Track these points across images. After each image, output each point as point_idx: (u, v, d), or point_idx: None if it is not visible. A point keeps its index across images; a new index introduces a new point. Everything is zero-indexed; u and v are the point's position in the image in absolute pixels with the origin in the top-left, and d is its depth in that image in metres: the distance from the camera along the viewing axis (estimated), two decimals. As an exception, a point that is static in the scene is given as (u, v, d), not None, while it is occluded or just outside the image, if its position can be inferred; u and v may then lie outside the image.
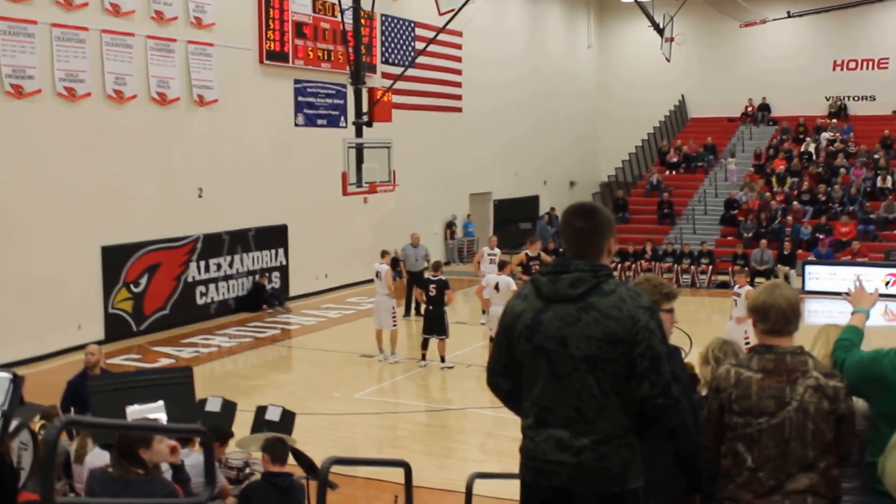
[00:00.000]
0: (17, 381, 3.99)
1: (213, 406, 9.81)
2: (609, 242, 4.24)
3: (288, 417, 9.92)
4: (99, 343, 18.77)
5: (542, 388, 4.17)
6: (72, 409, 10.41)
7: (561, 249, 23.50)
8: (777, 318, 4.33)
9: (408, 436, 14.22)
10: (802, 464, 4.22)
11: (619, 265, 27.27)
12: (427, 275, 18.82)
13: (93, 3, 18.89)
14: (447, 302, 17.71)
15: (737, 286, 17.09)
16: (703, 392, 5.12)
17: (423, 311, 19.06)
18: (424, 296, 18.01)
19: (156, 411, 4.76)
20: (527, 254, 21.52)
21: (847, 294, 5.12)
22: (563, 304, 4.12)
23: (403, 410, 15.44)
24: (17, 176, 17.74)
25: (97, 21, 19.00)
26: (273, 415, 9.93)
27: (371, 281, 19.91)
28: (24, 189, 17.85)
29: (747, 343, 15.98)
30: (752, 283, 26.26)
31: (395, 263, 21.25)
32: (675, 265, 27.45)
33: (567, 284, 4.12)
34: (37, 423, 8.10)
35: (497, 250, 21.90)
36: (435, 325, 17.69)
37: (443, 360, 17.66)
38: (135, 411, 4.73)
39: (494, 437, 14.26)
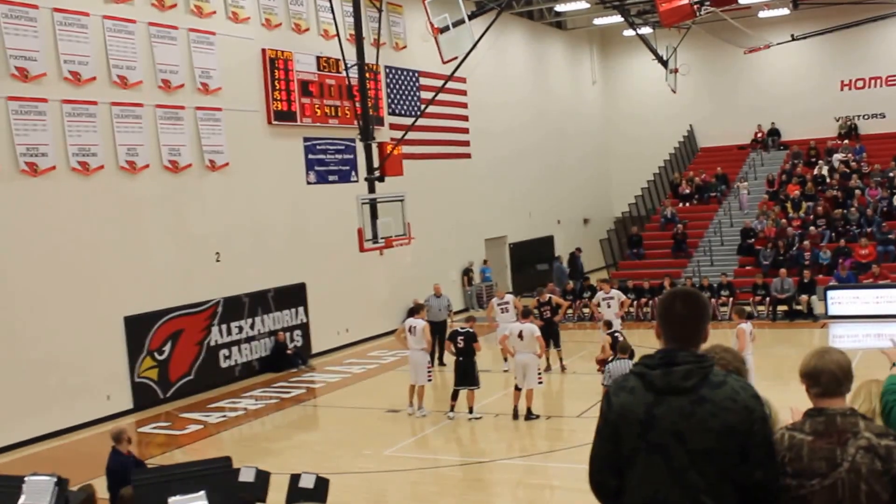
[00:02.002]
0: (61, 484, 3.99)
1: (247, 476, 9.73)
2: (708, 328, 4.29)
3: (322, 484, 9.83)
4: (127, 412, 19.11)
5: (655, 483, 4.12)
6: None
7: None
8: (829, 381, 4.34)
9: (441, 491, 14.12)
10: None
11: (636, 301, 27.12)
12: (456, 326, 18.72)
13: (101, 77, 19.09)
14: (478, 350, 17.71)
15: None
16: None
17: (445, 360, 19.02)
18: (454, 347, 17.95)
19: (197, 500, 4.75)
20: (538, 299, 21.56)
21: (887, 348, 5.10)
22: (676, 396, 4.10)
23: (434, 465, 15.32)
24: (37, 252, 17.87)
25: (106, 94, 19.19)
26: (307, 482, 9.84)
27: (392, 332, 19.89)
28: (45, 264, 17.96)
29: None
30: (774, 312, 26.28)
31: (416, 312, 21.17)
32: (696, 298, 27.21)
33: (681, 377, 4.10)
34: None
35: (509, 297, 21.91)
36: (466, 376, 17.62)
37: (471, 410, 17.58)
38: (177, 501, 4.73)
39: (524, 485, 14.22)
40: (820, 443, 4.22)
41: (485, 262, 32.93)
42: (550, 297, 21.77)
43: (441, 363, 21.99)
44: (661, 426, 4.09)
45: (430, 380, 18.34)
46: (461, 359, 17.64)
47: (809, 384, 4.39)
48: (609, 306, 21.50)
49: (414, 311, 19.08)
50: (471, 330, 17.73)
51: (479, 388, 17.70)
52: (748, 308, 23.08)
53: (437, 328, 21.92)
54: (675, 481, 4.07)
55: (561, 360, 21.47)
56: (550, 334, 21.05)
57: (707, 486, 4.05)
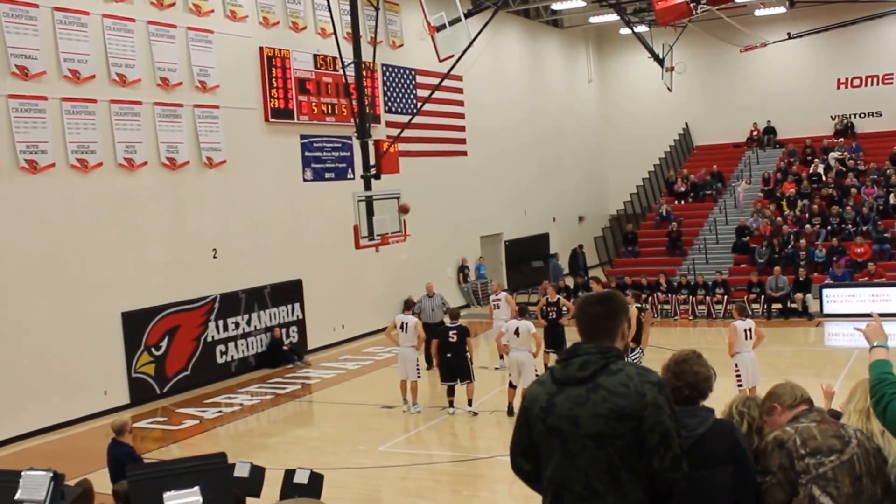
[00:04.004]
0: (57, 479, 4.10)
1: (242, 472, 9.83)
2: (623, 326, 4.44)
3: (316, 480, 9.93)
4: (124, 407, 19.22)
5: (556, 466, 4.34)
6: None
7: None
8: (800, 392, 4.79)
9: (436, 487, 14.23)
10: (874, 502, 4.37)
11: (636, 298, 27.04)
12: (446, 322, 18.74)
13: (100, 74, 19.19)
14: (469, 349, 17.76)
15: None
16: None
17: (434, 359, 18.91)
18: (437, 345, 17.98)
19: (192, 496, 4.85)
20: (547, 299, 21.38)
21: (866, 325, 5.16)
22: (574, 386, 4.31)
23: (429, 462, 15.45)
24: (36, 248, 17.99)
25: (105, 92, 19.29)
26: (301, 478, 9.94)
27: (384, 329, 19.96)
28: (44, 260, 18.07)
29: (738, 376, 15.78)
30: (769, 310, 26.37)
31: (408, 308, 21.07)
32: (691, 297, 27.39)
33: (576, 368, 4.32)
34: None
35: (502, 294, 21.82)
36: (459, 371, 17.69)
37: (470, 403, 17.70)
38: (171, 496, 4.82)
39: (521, 482, 14.22)
40: (825, 425, 4.49)
41: (480, 259, 33.01)
42: (559, 299, 21.40)
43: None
44: (559, 412, 4.31)
45: (419, 376, 18.43)
46: (449, 354, 17.71)
47: (784, 403, 4.76)
48: None
49: (406, 307, 19.14)
50: (463, 324, 17.84)
51: (474, 381, 17.81)
52: (745, 306, 23.10)
53: (430, 329, 21.78)
54: (571, 463, 4.27)
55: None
56: (555, 337, 20.43)
57: (598, 471, 4.20)
